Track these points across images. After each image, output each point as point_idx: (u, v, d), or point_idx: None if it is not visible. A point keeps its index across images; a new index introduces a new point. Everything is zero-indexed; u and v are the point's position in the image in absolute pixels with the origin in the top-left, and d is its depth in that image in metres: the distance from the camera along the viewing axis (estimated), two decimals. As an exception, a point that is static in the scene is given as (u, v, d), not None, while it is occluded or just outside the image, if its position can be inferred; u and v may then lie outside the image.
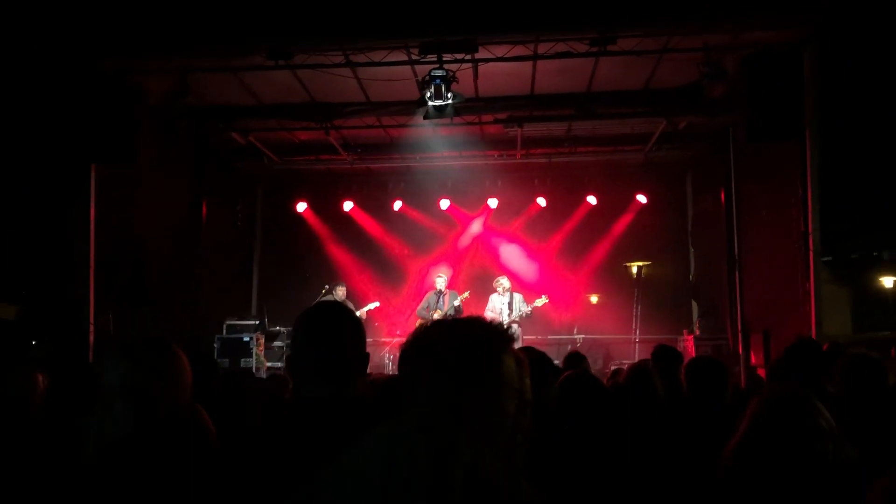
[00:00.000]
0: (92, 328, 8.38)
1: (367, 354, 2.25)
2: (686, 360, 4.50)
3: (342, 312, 2.24)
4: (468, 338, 1.64)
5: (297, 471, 1.94)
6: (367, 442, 1.58)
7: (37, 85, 8.21)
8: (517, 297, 10.79)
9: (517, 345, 7.31)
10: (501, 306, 10.65)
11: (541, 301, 10.67)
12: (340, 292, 11.46)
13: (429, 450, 1.47)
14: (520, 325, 10.49)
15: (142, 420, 2.19)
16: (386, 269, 13.64)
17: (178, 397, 2.27)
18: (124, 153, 8.39)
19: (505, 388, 1.60)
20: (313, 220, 13.87)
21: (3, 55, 7.91)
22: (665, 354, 4.84)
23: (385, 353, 11.92)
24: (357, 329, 2.20)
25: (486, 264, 13.33)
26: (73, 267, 8.40)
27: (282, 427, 2.09)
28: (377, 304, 11.89)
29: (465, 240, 13.74)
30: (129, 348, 2.30)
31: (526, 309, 10.62)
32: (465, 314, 10.49)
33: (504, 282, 10.93)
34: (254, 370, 10.22)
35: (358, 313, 11.12)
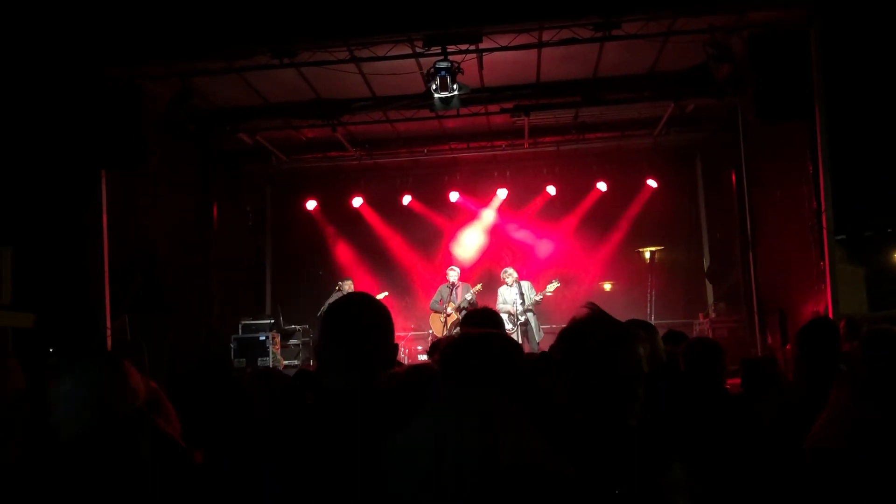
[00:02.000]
0: (108, 334, 8.44)
1: (395, 346, 2.26)
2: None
3: (367, 305, 2.23)
4: (505, 356, 1.73)
5: (319, 461, 1.96)
6: (418, 424, 1.62)
7: (44, 93, 8.25)
8: (525, 284, 10.72)
9: (536, 332, 7.33)
10: (513, 298, 10.62)
11: (553, 286, 10.60)
12: (347, 287, 11.42)
13: (479, 433, 1.52)
14: (535, 314, 10.46)
15: (90, 423, 2.42)
16: (397, 263, 13.67)
17: (122, 403, 2.50)
18: (134, 158, 8.43)
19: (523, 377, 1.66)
20: (323, 218, 13.91)
21: (9, 64, 7.95)
22: (672, 339, 4.88)
23: (400, 347, 11.94)
24: (382, 322, 2.19)
25: (498, 255, 13.32)
26: (87, 273, 8.44)
27: (305, 419, 2.11)
28: (385, 293, 11.87)
29: (475, 231, 13.73)
30: (73, 363, 2.58)
31: (536, 296, 10.56)
32: (480, 306, 10.49)
33: (511, 272, 10.88)
34: (271, 367, 10.27)
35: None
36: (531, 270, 12.36)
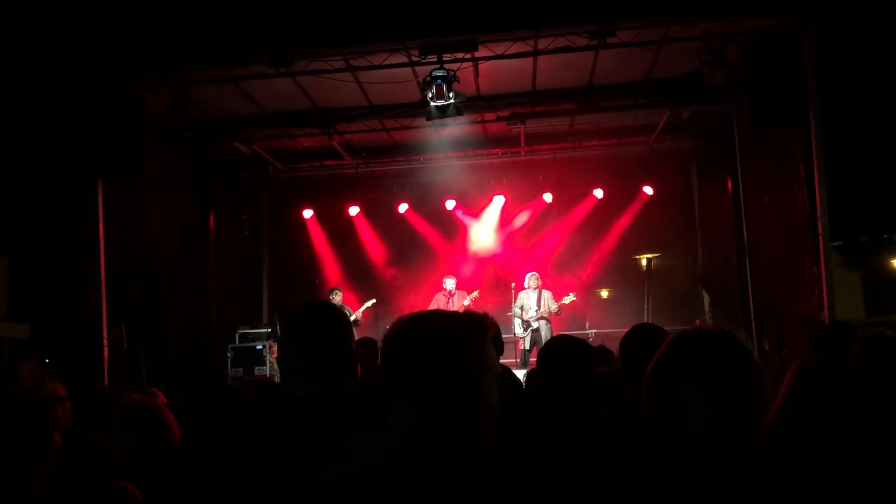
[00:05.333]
0: (105, 343, 8.41)
1: (355, 353, 2.28)
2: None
3: (327, 313, 2.28)
4: (439, 328, 1.64)
5: (278, 467, 1.98)
6: (346, 448, 1.57)
7: (41, 103, 8.27)
8: (546, 293, 10.73)
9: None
10: (530, 302, 10.65)
11: (568, 299, 10.62)
12: (336, 298, 11.41)
13: (403, 451, 1.46)
14: (549, 322, 10.47)
15: None
16: (393, 272, 13.65)
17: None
18: (130, 168, 8.43)
19: (483, 375, 1.60)
20: (320, 226, 13.90)
21: (6, 72, 7.96)
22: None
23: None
24: (342, 329, 2.24)
25: (495, 263, 13.32)
26: (84, 283, 8.43)
27: (267, 425, 2.13)
28: (374, 301, 11.87)
29: (471, 239, 13.72)
30: None
31: (554, 306, 10.57)
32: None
33: (535, 277, 10.89)
34: (268, 377, 10.24)
35: (356, 314, 11.16)
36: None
